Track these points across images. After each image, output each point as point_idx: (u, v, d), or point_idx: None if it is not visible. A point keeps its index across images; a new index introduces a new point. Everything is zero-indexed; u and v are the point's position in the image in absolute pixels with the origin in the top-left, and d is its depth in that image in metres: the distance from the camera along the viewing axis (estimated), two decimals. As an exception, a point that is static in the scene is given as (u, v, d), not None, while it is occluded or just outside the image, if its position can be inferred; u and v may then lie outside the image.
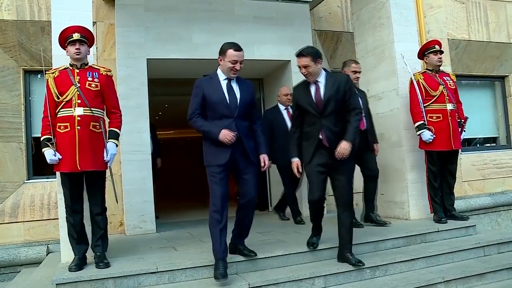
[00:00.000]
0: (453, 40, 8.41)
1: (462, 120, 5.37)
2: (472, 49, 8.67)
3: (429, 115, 5.18)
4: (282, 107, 6.11)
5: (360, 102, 4.85)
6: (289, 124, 5.59)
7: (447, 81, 5.32)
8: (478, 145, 9.41)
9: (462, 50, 8.57)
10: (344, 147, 3.82)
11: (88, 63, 4.05)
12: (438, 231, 4.85)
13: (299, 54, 3.92)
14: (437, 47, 5.34)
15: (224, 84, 3.82)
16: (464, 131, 5.41)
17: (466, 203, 7.52)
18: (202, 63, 6.35)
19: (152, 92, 6.13)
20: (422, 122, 5.16)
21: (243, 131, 3.80)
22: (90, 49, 4.13)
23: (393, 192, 5.69)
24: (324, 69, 4.07)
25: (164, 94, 8.63)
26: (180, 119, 8.62)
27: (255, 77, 7.68)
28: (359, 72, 5.35)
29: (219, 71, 3.85)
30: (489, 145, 9.56)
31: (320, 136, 3.90)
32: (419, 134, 5.19)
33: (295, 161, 4.06)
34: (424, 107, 5.19)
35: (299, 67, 3.94)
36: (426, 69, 5.44)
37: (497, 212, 8.04)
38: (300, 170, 4.09)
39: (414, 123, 5.25)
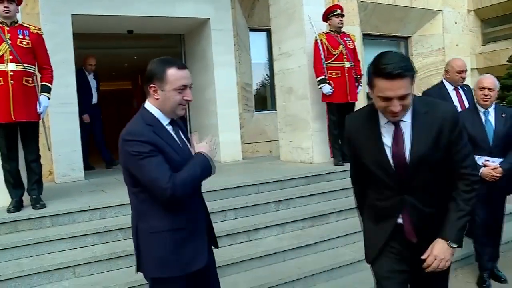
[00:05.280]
0: (362, 2, 9.13)
1: (359, 76, 6.15)
2: (380, 11, 9.46)
3: (329, 71, 5.92)
4: (450, 87, 4.52)
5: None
6: (460, 109, 4.20)
7: (347, 42, 6.06)
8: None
9: (371, 12, 9.32)
10: (440, 255, 2.09)
11: (17, 21, 4.32)
12: (335, 172, 5.66)
13: (394, 73, 1.90)
14: (338, 11, 6.04)
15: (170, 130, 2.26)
16: (360, 85, 6.21)
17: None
18: (125, 19, 6.68)
19: (76, 46, 6.38)
20: (323, 77, 5.89)
21: None
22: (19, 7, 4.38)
23: (300, 140, 6.46)
24: None
25: (88, 47, 8.79)
26: (103, 71, 8.87)
27: (177, 32, 8.08)
28: None
29: (157, 113, 2.20)
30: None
31: (400, 220, 2.19)
32: (320, 88, 5.92)
33: None
34: (326, 64, 5.91)
35: (386, 98, 1.95)
36: (330, 30, 6.12)
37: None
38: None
39: (316, 77, 5.97)
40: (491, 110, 3.85)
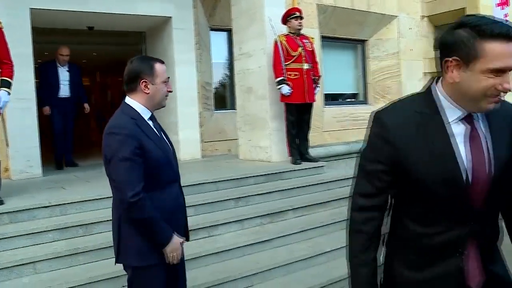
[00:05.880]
0: (321, 5, 9.36)
1: (317, 78, 6.35)
2: (338, 14, 9.72)
3: (288, 72, 6.08)
4: None
5: None
6: None
7: (306, 44, 6.25)
8: (340, 100, 10.76)
9: (330, 15, 9.58)
10: None
11: (-24, 14, 4.27)
12: (293, 171, 5.85)
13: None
14: (297, 13, 6.22)
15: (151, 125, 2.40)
16: (318, 87, 6.42)
17: (325, 150, 8.67)
18: (86, 15, 6.64)
19: (35, 40, 6.30)
20: (282, 78, 6.05)
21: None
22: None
23: (259, 139, 6.61)
24: None
25: (47, 42, 8.65)
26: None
27: (138, 30, 8.07)
28: None
29: (140, 108, 2.36)
30: (349, 100, 10.95)
31: (464, 264, 1.54)
32: (279, 88, 6.09)
33: None
34: (285, 65, 6.07)
35: (500, 70, 1.38)
36: (289, 32, 6.29)
37: (351, 158, 9.34)
38: None
39: (275, 78, 6.13)
40: None
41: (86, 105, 7.17)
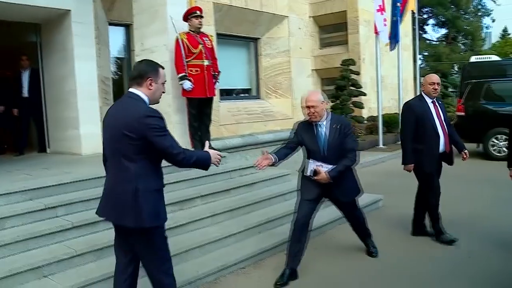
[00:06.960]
0: (217, 4, 9.74)
1: (216, 73, 6.73)
2: (233, 13, 10.17)
3: (189, 68, 6.39)
4: (428, 100, 4.84)
5: None
6: (437, 122, 4.79)
7: (205, 41, 6.59)
8: (234, 95, 11.23)
9: (225, 13, 9.99)
10: None
11: None
12: (197, 161, 6.14)
13: None
14: (198, 12, 6.52)
15: None
16: (218, 82, 6.80)
17: (222, 143, 9.03)
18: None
19: None
20: (184, 74, 6.35)
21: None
22: None
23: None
24: None
25: None
26: None
27: (32, 21, 7.78)
28: None
29: (147, 100, 2.91)
30: (243, 95, 11.46)
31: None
32: (181, 84, 6.39)
33: None
34: (186, 62, 6.37)
35: None
36: (190, 30, 6.57)
37: (246, 150, 9.84)
38: None
39: (177, 74, 6.41)
40: (326, 122, 4.13)
41: None
